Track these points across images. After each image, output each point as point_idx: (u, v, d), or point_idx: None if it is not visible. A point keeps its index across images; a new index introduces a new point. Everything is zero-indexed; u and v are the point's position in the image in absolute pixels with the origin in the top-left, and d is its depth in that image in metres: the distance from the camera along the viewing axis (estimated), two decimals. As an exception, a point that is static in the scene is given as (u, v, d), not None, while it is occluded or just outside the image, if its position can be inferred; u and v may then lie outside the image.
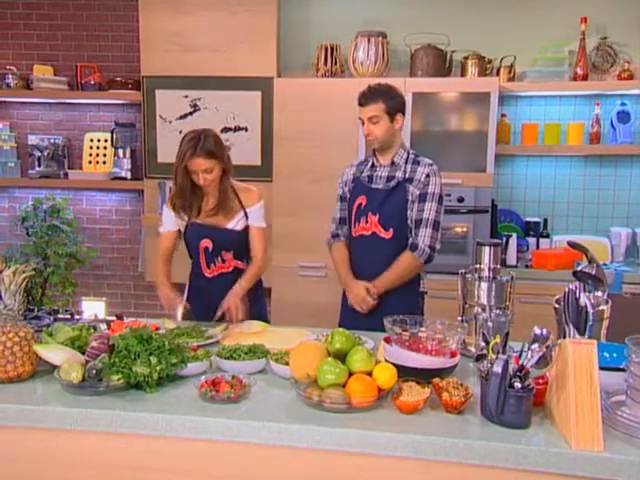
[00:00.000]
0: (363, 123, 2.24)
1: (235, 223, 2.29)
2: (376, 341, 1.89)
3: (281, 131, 3.52)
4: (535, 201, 3.75)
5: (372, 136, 2.23)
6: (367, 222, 2.27)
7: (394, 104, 2.22)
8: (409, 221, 2.25)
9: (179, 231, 2.32)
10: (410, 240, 2.24)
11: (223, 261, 2.30)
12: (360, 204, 2.29)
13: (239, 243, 2.31)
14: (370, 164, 2.35)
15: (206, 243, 2.27)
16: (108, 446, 1.45)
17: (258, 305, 2.35)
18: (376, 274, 2.23)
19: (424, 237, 2.21)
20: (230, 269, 2.30)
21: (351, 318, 2.26)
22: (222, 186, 2.23)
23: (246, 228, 2.30)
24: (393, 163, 2.28)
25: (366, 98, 2.22)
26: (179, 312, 2.15)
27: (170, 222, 2.31)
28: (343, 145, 3.45)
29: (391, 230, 2.24)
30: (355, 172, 2.37)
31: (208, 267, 2.30)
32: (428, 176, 2.23)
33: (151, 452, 1.44)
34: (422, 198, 2.23)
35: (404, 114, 2.28)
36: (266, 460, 1.40)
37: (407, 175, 2.25)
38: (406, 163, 2.27)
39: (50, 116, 4.10)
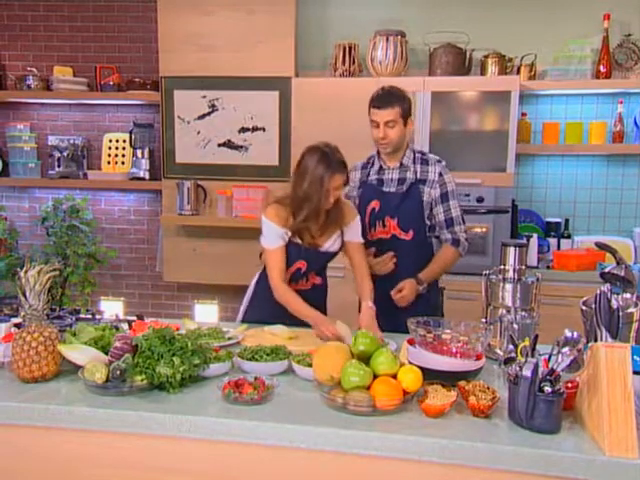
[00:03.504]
0: (377, 126, 2.22)
1: (332, 242, 2.18)
2: (398, 343, 1.87)
3: (299, 131, 3.51)
4: (556, 201, 3.70)
5: (387, 139, 2.23)
6: (385, 226, 2.30)
7: (407, 108, 2.24)
8: (428, 221, 2.31)
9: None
10: (449, 237, 2.32)
11: (307, 280, 2.22)
12: (373, 208, 2.30)
13: (329, 261, 2.25)
14: (378, 167, 2.35)
15: (300, 264, 2.17)
16: (131, 447, 1.45)
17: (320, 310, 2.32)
18: (399, 275, 2.24)
19: (461, 232, 2.32)
20: (309, 287, 2.22)
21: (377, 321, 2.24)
22: (338, 200, 2.10)
23: (341, 247, 2.21)
24: (402, 165, 2.30)
25: (384, 101, 2.20)
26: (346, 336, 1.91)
27: (279, 238, 2.10)
28: (361, 145, 3.38)
29: (411, 232, 2.28)
30: (362, 176, 2.38)
31: (290, 284, 2.17)
32: (441, 175, 2.29)
33: (174, 453, 1.43)
34: (445, 198, 2.29)
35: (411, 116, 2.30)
36: (290, 462, 1.39)
37: (418, 176, 2.29)
38: (414, 163, 2.30)
39: (70, 117, 4.14)
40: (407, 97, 2.25)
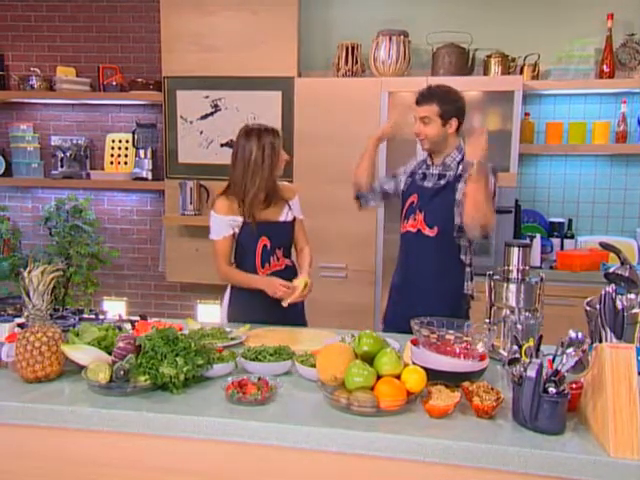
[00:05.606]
0: (415, 121, 2.25)
1: (285, 215, 2.34)
2: (402, 343, 1.86)
3: (301, 131, 3.51)
4: (559, 201, 3.69)
5: (422, 135, 2.24)
6: (414, 219, 2.28)
7: (449, 108, 2.19)
8: (458, 218, 2.18)
9: (234, 235, 2.29)
10: None
11: (277, 259, 2.32)
12: (412, 202, 2.31)
13: (290, 237, 2.38)
14: (425, 162, 2.36)
15: (264, 241, 2.28)
16: (134, 447, 1.45)
17: (298, 305, 2.36)
18: (420, 271, 2.24)
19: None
20: (283, 266, 2.33)
21: (397, 318, 2.24)
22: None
23: (293, 220, 2.37)
24: (444, 164, 2.27)
25: (422, 98, 2.22)
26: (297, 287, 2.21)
27: (225, 227, 2.27)
28: (364, 145, 3.42)
29: (436, 228, 2.22)
30: (415, 167, 2.39)
31: (262, 266, 2.29)
32: None
33: (177, 454, 1.43)
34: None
35: (461, 119, 2.23)
36: (293, 463, 1.39)
37: (458, 172, 2.22)
38: (458, 164, 2.25)
39: (73, 117, 4.14)
40: (453, 98, 2.20)
